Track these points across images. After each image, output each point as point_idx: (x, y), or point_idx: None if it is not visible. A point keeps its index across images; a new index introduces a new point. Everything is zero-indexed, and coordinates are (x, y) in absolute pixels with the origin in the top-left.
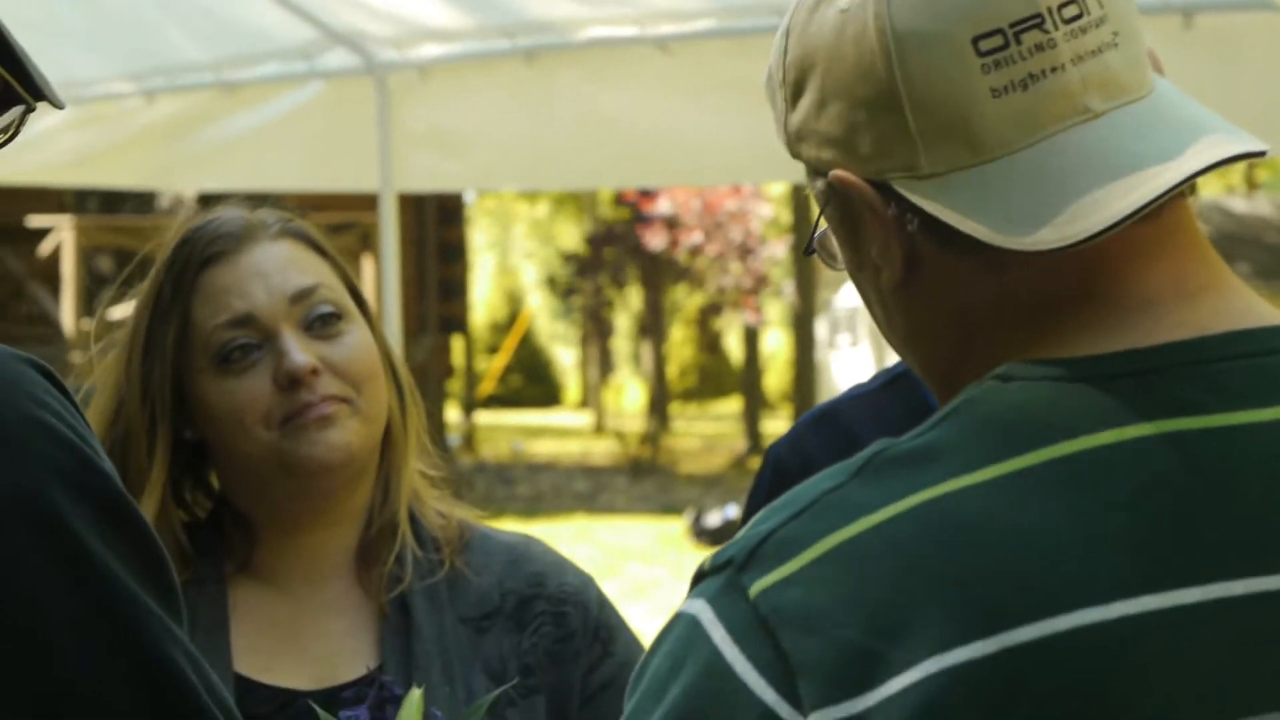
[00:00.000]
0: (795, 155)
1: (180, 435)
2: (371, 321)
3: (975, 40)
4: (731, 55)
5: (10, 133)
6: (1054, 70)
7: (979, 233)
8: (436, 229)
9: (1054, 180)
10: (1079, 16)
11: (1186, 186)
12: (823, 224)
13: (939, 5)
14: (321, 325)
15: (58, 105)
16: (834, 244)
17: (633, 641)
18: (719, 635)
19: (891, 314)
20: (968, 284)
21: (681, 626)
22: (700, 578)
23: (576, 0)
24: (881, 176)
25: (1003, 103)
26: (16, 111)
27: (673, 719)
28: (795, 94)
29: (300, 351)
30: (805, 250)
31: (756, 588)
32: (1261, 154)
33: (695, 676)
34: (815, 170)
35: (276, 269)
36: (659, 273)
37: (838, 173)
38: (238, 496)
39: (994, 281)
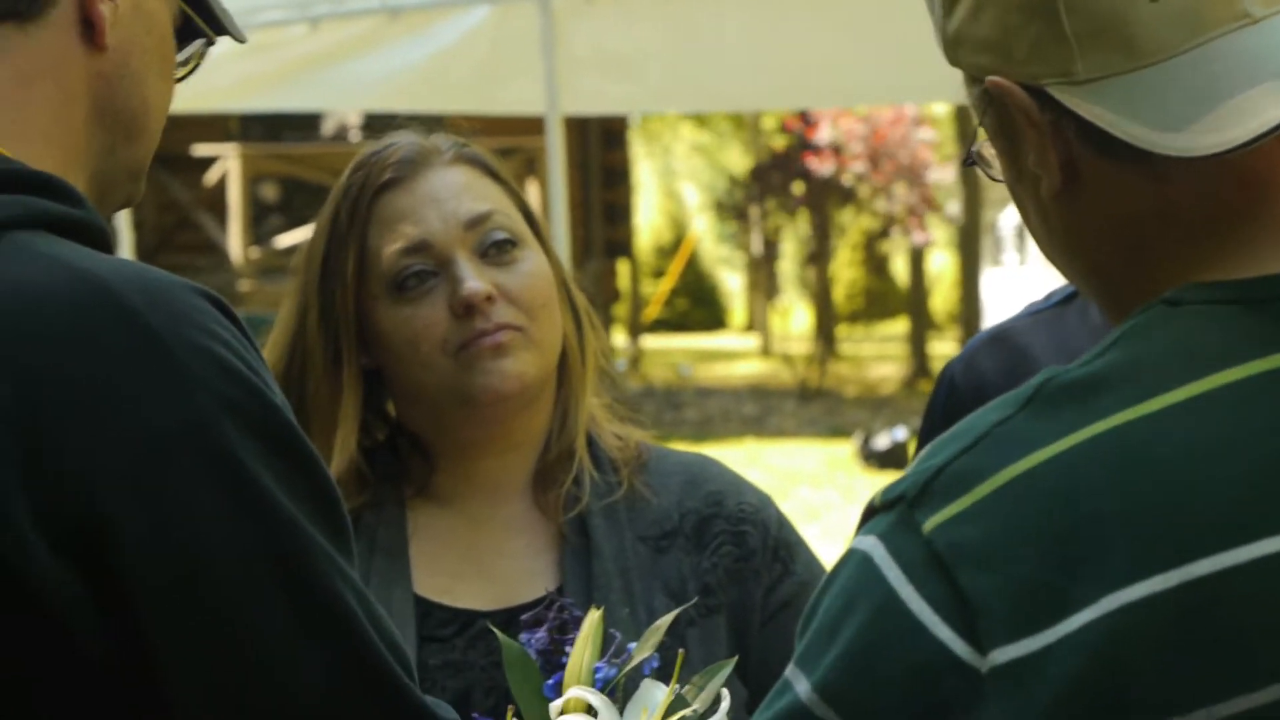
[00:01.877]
0: (953, 62)
1: (360, 362)
2: (547, 247)
3: None
4: None
5: (191, 66)
6: None
7: (1137, 138)
8: (600, 153)
9: (1212, 85)
10: None
11: None
12: (981, 135)
13: None
14: (496, 252)
15: (240, 39)
16: (993, 154)
17: (812, 561)
18: (893, 573)
19: (1051, 226)
20: (1129, 194)
21: (854, 564)
22: (871, 513)
23: None
24: (1037, 82)
25: (1160, 6)
26: (198, 44)
27: (847, 659)
28: (952, 1)
29: (475, 278)
30: (963, 161)
31: (930, 524)
32: None
33: (869, 615)
34: (973, 77)
35: (451, 195)
36: (825, 197)
37: (993, 79)
38: (414, 422)
39: (1155, 192)
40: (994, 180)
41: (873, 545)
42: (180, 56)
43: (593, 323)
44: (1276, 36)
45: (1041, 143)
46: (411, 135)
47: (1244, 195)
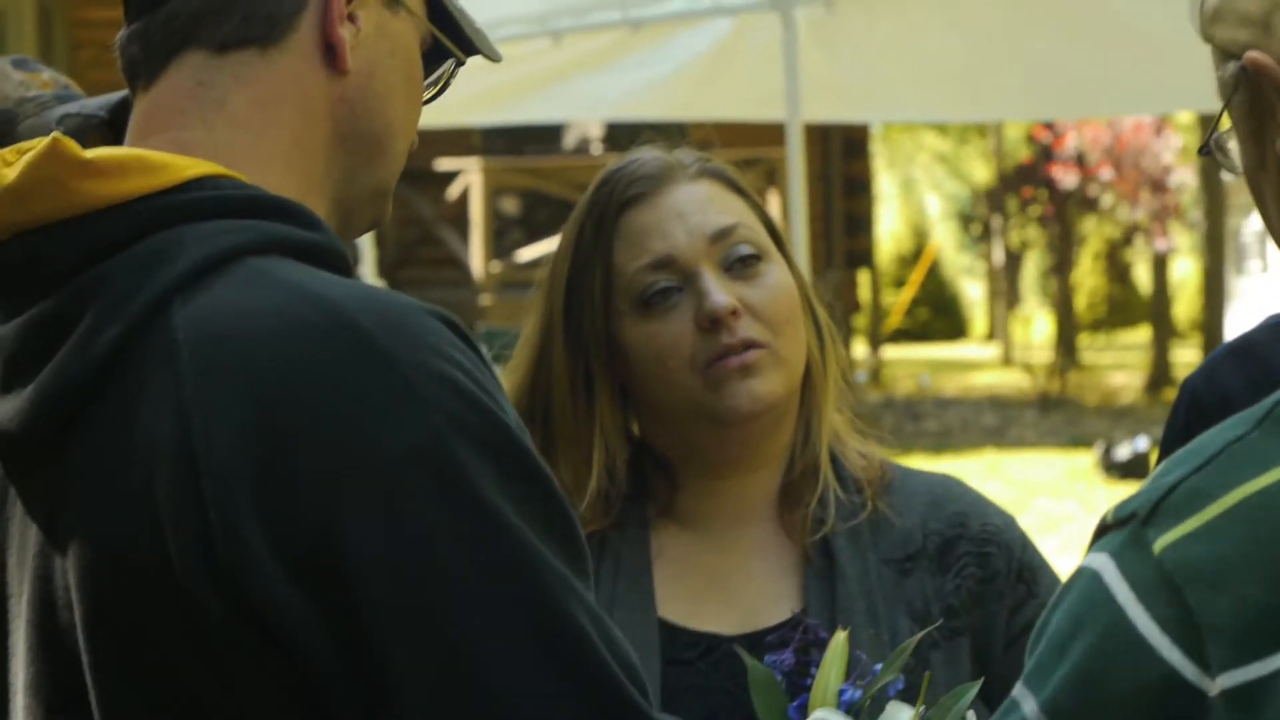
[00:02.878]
0: (1208, 38)
1: (611, 381)
2: (790, 261)
3: None
4: None
5: (440, 86)
6: None
7: None
8: (841, 163)
9: None
10: None
11: None
12: (1224, 124)
13: None
14: (741, 266)
15: (494, 58)
16: (1233, 144)
17: (1056, 582)
18: (1123, 593)
19: None
20: None
21: (1084, 582)
22: (1103, 530)
23: None
24: None
25: None
26: (448, 65)
27: (1075, 679)
28: None
29: (721, 292)
30: (1200, 149)
31: (1161, 543)
32: None
33: (1098, 635)
34: (1226, 54)
35: (696, 209)
36: (1068, 207)
37: (1253, 54)
38: (659, 440)
39: None
40: (1231, 171)
41: (1103, 563)
42: (430, 78)
43: (834, 336)
44: None
45: None
46: (655, 150)
47: None
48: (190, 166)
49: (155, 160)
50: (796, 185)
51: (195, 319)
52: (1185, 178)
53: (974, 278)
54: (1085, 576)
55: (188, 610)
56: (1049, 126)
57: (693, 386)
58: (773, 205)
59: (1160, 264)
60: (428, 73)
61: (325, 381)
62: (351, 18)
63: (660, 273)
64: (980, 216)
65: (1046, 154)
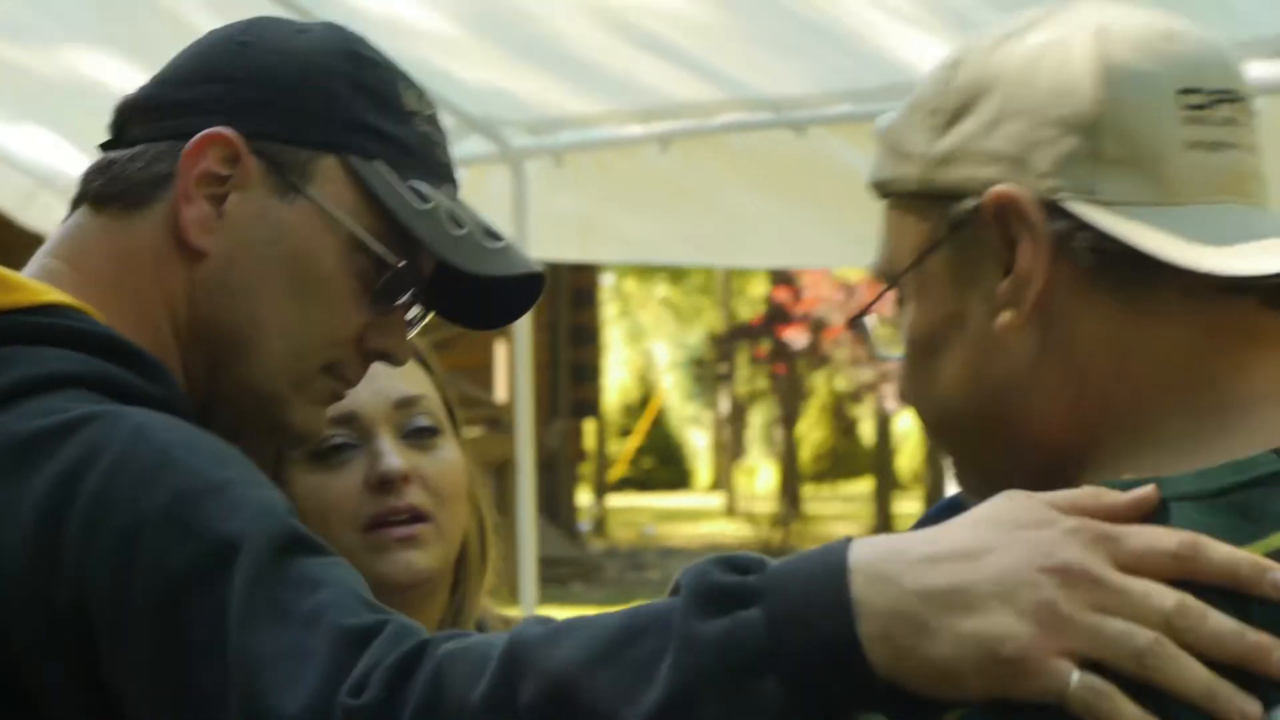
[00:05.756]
0: (931, 181)
1: None
2: (462, 445)
3: (1181, 92)
4: (864, 139)
5: (397, 293)
6: (1236, 147)
7: (1176, 255)
8: (569, 312)
9: (1235, 229)
10: (1251, 115)
11: None
12: (874, 309)
13: (1154, 51)
14: (418, 436)
15: (465, 269)
16: (882, 323)
17: None
18: None
19: (986, 366)
20: (1099, 327)
21: None
22: None
23: (712, 84)
24: (1053, 196)
25: (1192, 156)
26: (399, 271)
27: None
28: (953, 119)
29: (396, 456)
30: (849, 322)
31: None
32: None
33: None
34: (952, 196)
35: (385, 374)
36: (798, 363)
37: (1002, 187)
38: None
39: (1126, 328)
40: (875, 350)
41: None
42: (383, 283)
43: (495, 529)
44: (1277, 222)
45: (1034, 258)
46: None
47: (1207, 358)
48: (45, 292)
49: (13, 280)
50: (523, 334)
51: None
52: None
53: (700, 428)
54: None
55: None
56: (789, 285)
57: (351, 545)
58: (500, 354)
59: (884, 418)
60: (383, 276)
61: None
62: (217, 199)
63: (339, 428)
64: (710, 365)
65: (781, 314)
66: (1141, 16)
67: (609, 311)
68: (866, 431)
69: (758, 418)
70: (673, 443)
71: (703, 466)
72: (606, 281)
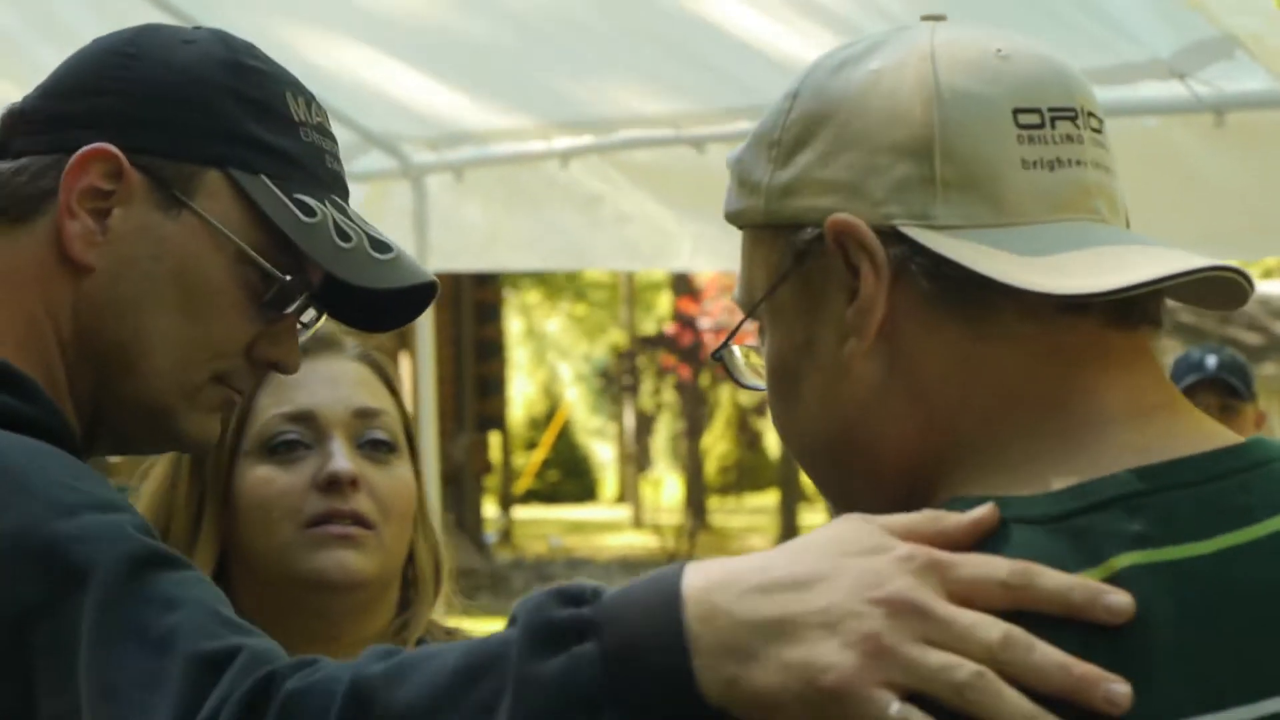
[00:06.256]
0: (773, 214)
1: (219, 525)
2: (417, 469)
3: (1016, 112)
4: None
5: (290, 306)
6: (1078, 164)
7: (1011, 277)
8: (474, 326)
9: (1076, 247)
10: (1099, 130)
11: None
12: (738, 338)
13: (986, 71)
14: (373, 449)
15: (353, 282)
16: (740, 354)
17: None
18: None
19: (836, 392)
20: (942, 352)
21: None
22: None
23: (611, 101)
24: (889, 222)
25: (1030, 176)
26: (295, 285)
27: None
28: (792, 150)
29: (347, 460)
30: (713, 355)
31: None
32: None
33: None
34: (795, 226)
35: (348, 383)
36: (702, 374)
37: (839, 216)
38: (251, 616)
39: (970, 352)
40: (740, 380)
41: None
42: (271, 296)
43: (449, 557)
44: (1124, 237)
45: (874, 286)
46: (329, 324)
47: (1055, 378)
48: None
49: None
50: (426, 348)
51: None
52: None
53: (605, 440)
54: None
55: None
56: (691, 296)
57: (289, 540)
58: (404, 367)
59: None
60: (270, 289)
61: None
62: (101, 214)
63: (295, 425)
64: (615, 378)
65: (689, 323)
66: (979, 37)
67: (514, 326)
68: (772, 444)
69: (663, 430)
70: (579, 455)
71: (609, 479)
72: (511, 296)
